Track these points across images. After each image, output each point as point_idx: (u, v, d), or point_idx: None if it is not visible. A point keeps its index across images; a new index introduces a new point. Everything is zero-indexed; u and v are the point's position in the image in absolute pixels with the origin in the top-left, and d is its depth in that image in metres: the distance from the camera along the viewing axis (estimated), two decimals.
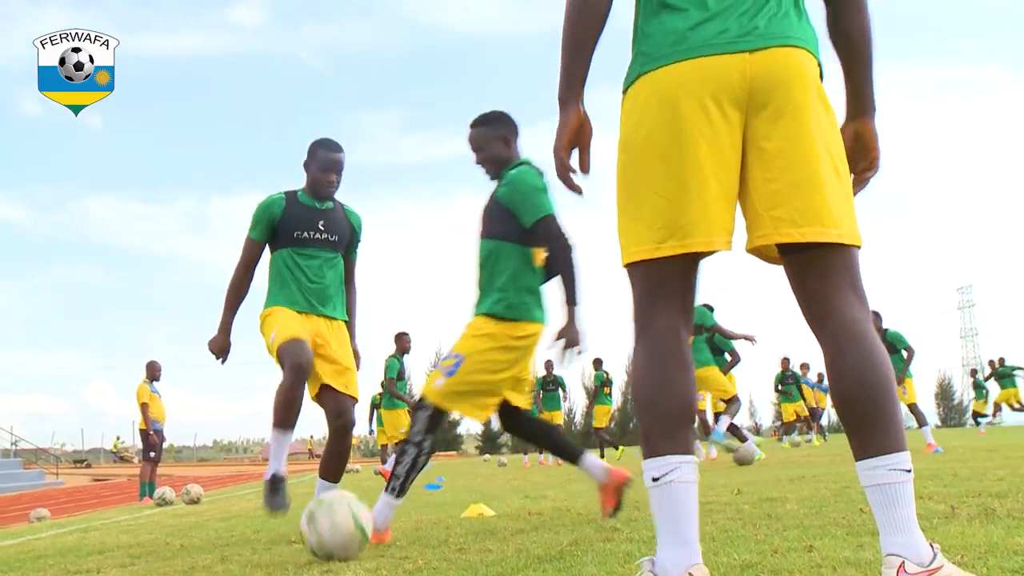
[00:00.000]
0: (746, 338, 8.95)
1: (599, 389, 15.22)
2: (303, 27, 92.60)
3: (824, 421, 20.94)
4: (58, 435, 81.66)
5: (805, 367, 17.68)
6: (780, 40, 1.60)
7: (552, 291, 3.44)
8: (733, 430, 8.74)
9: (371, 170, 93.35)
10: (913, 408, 9.90)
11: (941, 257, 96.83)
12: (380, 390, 11.24)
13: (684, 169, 1.59)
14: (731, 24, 1.61)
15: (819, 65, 1.66)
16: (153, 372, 10.88)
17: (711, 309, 9.00)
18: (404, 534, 3.53)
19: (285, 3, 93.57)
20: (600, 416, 15.37)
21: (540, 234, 3.32)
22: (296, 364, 3.51)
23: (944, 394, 51.04)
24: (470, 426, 50.35)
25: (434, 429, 3.29)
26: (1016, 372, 18.01)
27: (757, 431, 40.15)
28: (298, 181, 3.98)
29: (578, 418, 41.88)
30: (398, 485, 3.26)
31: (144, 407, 10.59)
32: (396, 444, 10.65)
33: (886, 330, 9.91)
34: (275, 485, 3.56)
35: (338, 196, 4.00)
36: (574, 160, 1.78)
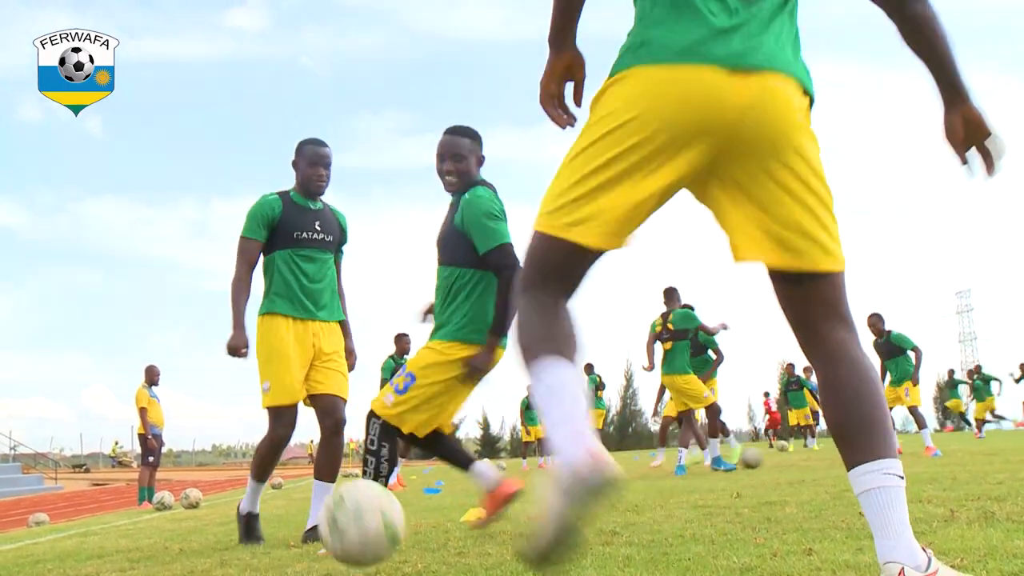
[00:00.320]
0: (722, 327, 8.86)
1: (592, 393, 15.31)
2: (303, 31, 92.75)
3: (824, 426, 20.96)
4: (57, 440, 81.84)
5: (808, 370, 17.69)
6: (777, 66, 1.57)
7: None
8: (721, 427, 8.71)
9: (372, 173, 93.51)
10: (914, 411, 9.89)
11: (940, 262, 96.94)
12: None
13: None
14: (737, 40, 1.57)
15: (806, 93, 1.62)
16: (152, 376, 10.87)
17: (692, 309, 8.95)
18: (403, 538, 3.53)
19: (285, 7, 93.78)
20: (594, 419, 15.45)
21: (493, 262, 3.27)
22: (278, 436, 3.83)
23: (943, 398, 51.00)
24: (468, 431, 50.39)
25: (389, 438, 3.28)
26: (992, 381, 18.15)
27: (757, 436, 40.09)
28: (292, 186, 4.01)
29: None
30: None
31: (143, 411, 10.58)
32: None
33: (890, 332, 9.89)
34: (249, 521, 3.92)
35: (328, 198, 4.07)
36: (568, 95, 1.80)
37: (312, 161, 3.93)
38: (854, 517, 2.94)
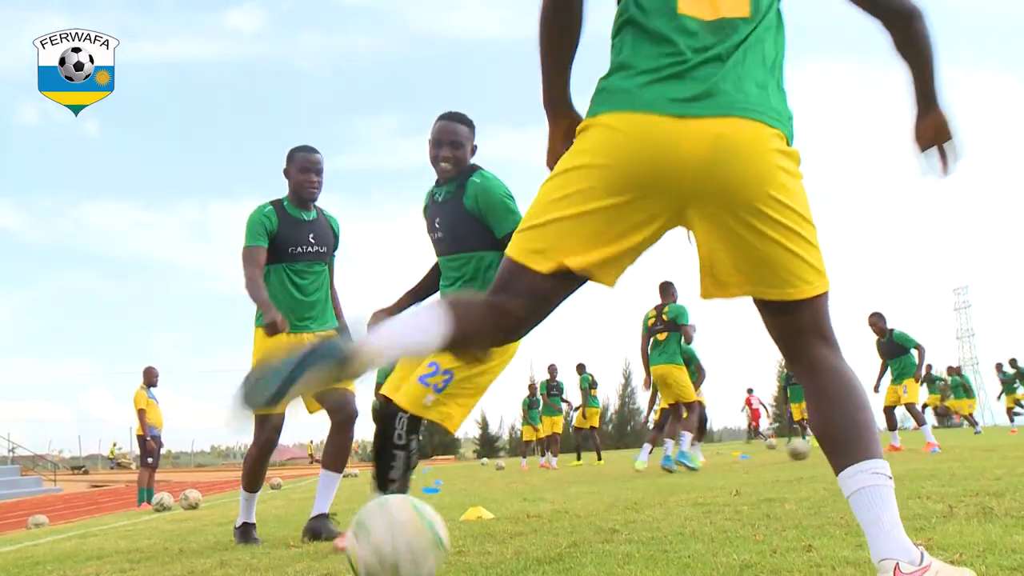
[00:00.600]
0: (692, 329, 8.82)
1: (586, 392, 15.42)
2: (300, 33, 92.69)
3: None
4: (55, 442, 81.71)
5: None
6: (737, 111, 1.54)
7: None
8: (699, 428, 8.75)
9: (371, 174, 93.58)
10: (911, 408, 9.90)
11: (937, 258, 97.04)
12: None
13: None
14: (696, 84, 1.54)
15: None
16: (150, 378, 10.86)
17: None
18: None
19: (281, 9, 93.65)
20: (591, 417, 15.60)
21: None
22: (264, 441, 3.91)
23: (940, 395, 51.03)
24: (467, 430, 50.34)
25: (416, 431, 3.24)
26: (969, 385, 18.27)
27: (757, 432, 40.15)
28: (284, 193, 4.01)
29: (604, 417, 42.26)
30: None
31: (141, 413, 10.57)
32: None
33: (892, 331, 9.89)
34: (245, 530, 3.97)
35: (326, 201, 4.08)
36: None
37: (303, 168, 3.92)
38: (852, 514, 2.94)
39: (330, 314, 4.05)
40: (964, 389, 18.50)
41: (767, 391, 44.42)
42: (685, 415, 8.76)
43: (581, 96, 1.78)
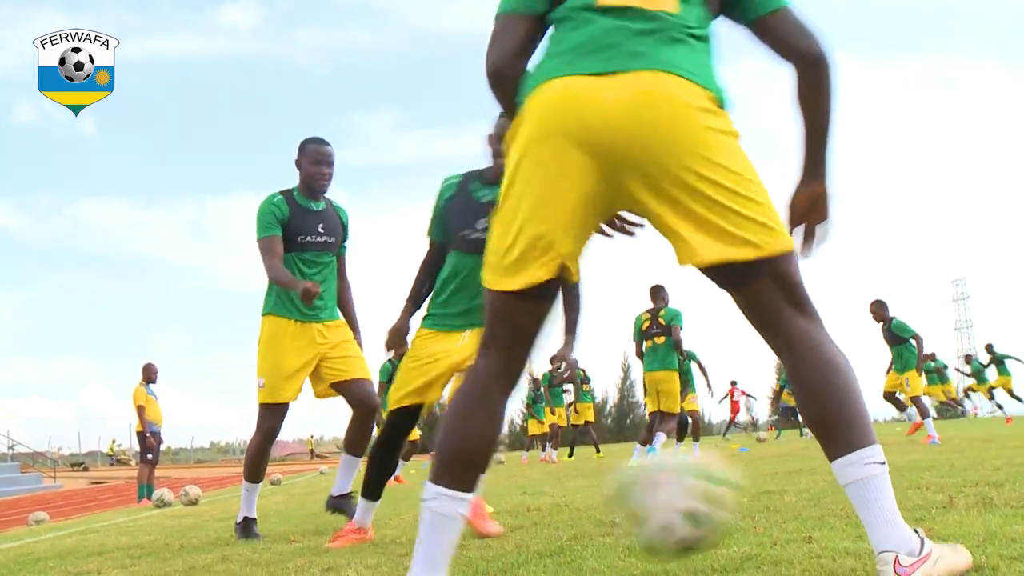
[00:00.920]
0: (678, 331, 8.82)
1: (579, 387, 15.60)
2: (297, 29, 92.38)
3: None
4: (55, 439, 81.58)
5: None
6: (659, 67, 1.53)
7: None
8: (678, 435, 8.73)
9: (370, 170, 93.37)
10: (916, 401, 9.93)
11: (935, 250, 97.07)
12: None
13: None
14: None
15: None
16: (149, 374, 10.86)
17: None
18: (404, 531, 3.54)
19: (279, 5, 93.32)
20: (585, 412, 15.77)
21: None
22: (268, 428, 3.91)
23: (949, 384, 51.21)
24: None
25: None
26: (1007, 359, 18.08)
27: (755, 425, 40.19)
28: (294, 184, 3.99)
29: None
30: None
31: (140, 409, 10.56)
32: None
33: (892, 319, 9.91)
34: (247, 524, 3.97)
35: (330, 194, 4.04)
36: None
37: (315, 160, 3.92)
38: (852, 505, 2.95)
39: (334, 304, 4.04)
40: (938, 374, 18.35)
41: (766, 388, 44.47)
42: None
43: None
